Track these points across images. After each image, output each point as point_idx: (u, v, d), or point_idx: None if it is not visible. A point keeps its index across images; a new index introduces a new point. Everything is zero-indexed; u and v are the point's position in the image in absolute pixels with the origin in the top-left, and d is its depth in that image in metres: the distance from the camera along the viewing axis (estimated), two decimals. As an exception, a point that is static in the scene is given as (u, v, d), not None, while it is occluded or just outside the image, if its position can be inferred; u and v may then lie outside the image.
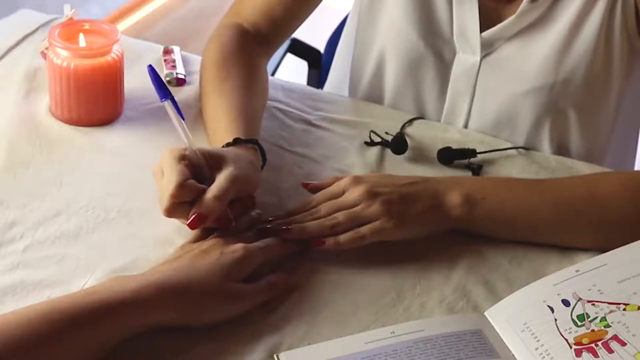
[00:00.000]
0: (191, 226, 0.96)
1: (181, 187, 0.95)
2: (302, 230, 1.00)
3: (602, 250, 0.99)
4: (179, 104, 1.00)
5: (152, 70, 0.99)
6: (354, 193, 1.03)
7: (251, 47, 1.25)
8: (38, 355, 0.80)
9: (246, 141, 1.06)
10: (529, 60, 1.24)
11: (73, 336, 0.82)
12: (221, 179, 0.98)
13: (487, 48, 1.26)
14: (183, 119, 1.00)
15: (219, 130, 1.10)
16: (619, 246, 0.97)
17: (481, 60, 1.26)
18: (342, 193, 1.04)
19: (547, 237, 1.05)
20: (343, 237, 1.00)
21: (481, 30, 1.24)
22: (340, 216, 1.01)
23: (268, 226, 1.01)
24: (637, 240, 0.98)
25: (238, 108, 1.13)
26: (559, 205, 1.05)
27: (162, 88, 0.99)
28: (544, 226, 1.05)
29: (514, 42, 1.24)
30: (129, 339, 0.86)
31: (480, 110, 1.29)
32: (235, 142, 1.06)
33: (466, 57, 1.27)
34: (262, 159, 1.08)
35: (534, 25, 1.23)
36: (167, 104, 0.99)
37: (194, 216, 0.95)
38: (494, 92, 1.27)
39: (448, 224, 1.04)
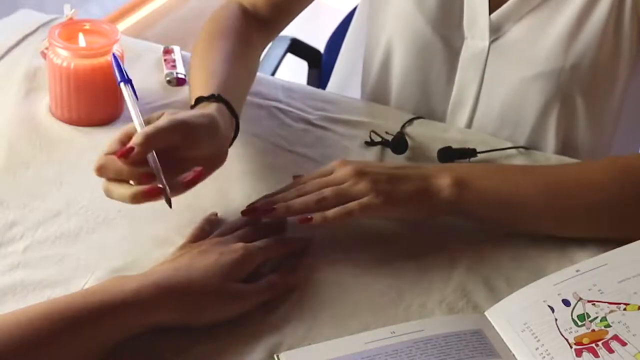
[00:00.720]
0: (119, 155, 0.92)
1: (102, 165, 0.93)
2: (288, 208, 0.99)
3: (593, 237, 1.01)
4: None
5: (114, 58, 1.04)
6: (342, 172, 1.02)
7: (246, 23, 1.22)
8: (38, 355, 0.80)
9: (207, 98, 1.02)
10: (538, 44, 1.23)
11: (73, 336, 0.82)
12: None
13: (496, 32, 1.25)
14: (137, 100, 1.00)
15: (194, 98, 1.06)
16: (607, 232, 0.99)
17: (490, 45, 1.26)
18: (331, 174, 1.03)
19: (537, 221, 1.05)
20: (330, 213, 0.98)
21: (490, 14, 1.24)
22: (327, 191, 1.00)
23: (256, 205, 1.00)
24: (626, 224, 1.00)
25: (213, 73, 1.09)
26: (549, 187, 1.05)
27: (121, 72, 1.03)
28: (534, 208, 1.04)
29: (523, 25, 1.23)
30: (129, 339, 0.86)
31: (488, 98, 1.29)
32: (197, 102, 1.03)
33: (475, 42, 1.27)
34: (232, 115, 1.03)
35: (542, 8, 1.22)
36: (123, 86, 1.01)
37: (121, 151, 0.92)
38: (503, 77, 1.27)
39: (439, 206, 1.03)
